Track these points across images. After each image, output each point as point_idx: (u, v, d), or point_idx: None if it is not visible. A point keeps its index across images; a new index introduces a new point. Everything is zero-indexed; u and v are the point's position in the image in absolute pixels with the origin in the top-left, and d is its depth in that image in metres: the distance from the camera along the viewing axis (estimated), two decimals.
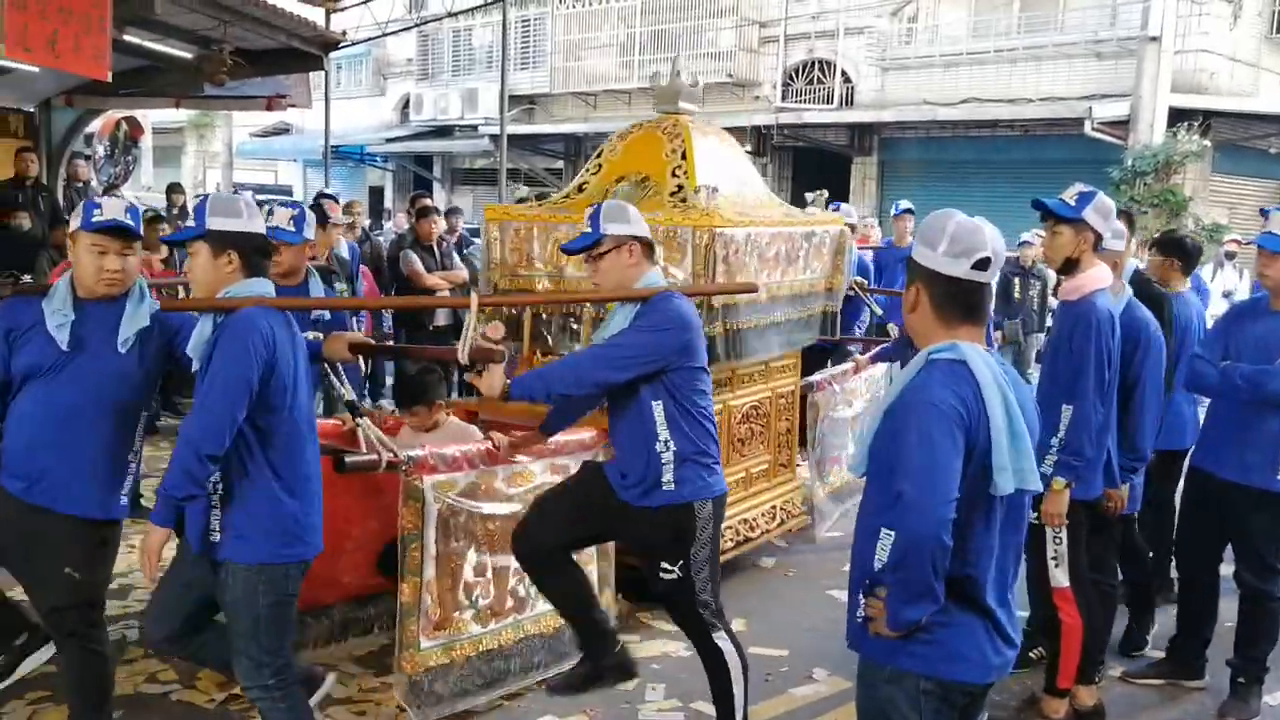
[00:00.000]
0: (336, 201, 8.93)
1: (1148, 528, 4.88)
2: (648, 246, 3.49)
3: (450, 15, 16.42)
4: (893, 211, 8.96)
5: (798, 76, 17.42)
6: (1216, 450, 4.09)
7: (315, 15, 10.78)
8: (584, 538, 3.70)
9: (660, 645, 4.50)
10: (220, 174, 26.56)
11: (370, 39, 16.30)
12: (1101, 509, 3.92)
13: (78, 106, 11.42)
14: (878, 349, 6.21)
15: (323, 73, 11.82)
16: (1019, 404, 2.29)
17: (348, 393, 3.93)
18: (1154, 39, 12.50)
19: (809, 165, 17.77)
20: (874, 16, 16.20)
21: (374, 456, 3.59)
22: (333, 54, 11.44)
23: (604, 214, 3.45)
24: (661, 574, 3.37)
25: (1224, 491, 4.02)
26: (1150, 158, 12.46)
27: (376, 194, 24.71)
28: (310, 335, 3.66)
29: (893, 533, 2.20)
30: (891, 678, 2.33)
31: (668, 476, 3.31)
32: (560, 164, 21.33)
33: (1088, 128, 12.86)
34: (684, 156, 4.85)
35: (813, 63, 17.21)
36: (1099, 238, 3.73)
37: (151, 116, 18.80)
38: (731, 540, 4.91)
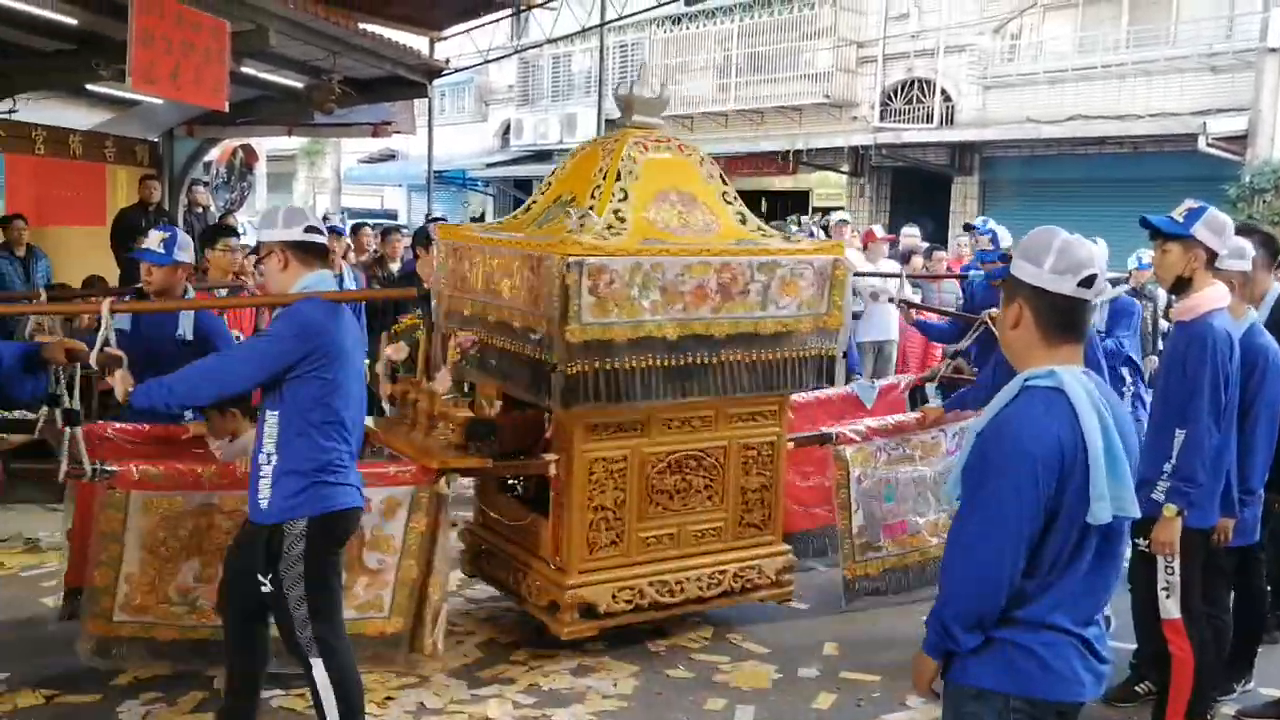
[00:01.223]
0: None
1: (1268, 564, 4.61)
2: (303, 251, 3.46)
3: (550, 41, 16.71)
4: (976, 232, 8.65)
5: (896, 96, 17.24)
6: None
7: (420, 44, 11.13)
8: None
9: (751, 667, 4.50)
10: (329, 199, 27.52)
11: (472, 66, 16.70)
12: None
13: (197, 136, 11.99)
14: (955, 395, 5.48)
15: (426, 100, 12.16)
16: (1118, 429, 2.26)
17: (67, 399, 3.59)
18: (1274, 50, 12.06)
19: (908, 185, 17.56)
20: (975, 34, 15.96)
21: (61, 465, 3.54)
22: (436, 81, 11.77)
23: (260, 221, 3.61)
24: (260, 585, 3.32)
25: None
26: (1270, 174, 12.04)
27: (479, 219, 25.24)
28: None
29: (951, 550, 2.31)
30: (979, 696, 2.31)
31: (264, 493, 3.27)
32: None
33: (1202, 143, 12.43)
34: (605, 175, 4.41)
35: (911, 82, 17.02)
36: (1212, 255, 3.61)
37: (265, 144, 19.62)
38: (630, 604, 4.41)
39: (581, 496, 4.31)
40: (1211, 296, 3.59)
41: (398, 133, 13.08)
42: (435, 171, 14.93)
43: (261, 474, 3.29)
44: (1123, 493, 2.23)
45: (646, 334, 4.15)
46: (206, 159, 13.65)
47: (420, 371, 4.67)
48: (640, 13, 14.81)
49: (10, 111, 9.61)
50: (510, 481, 4.91)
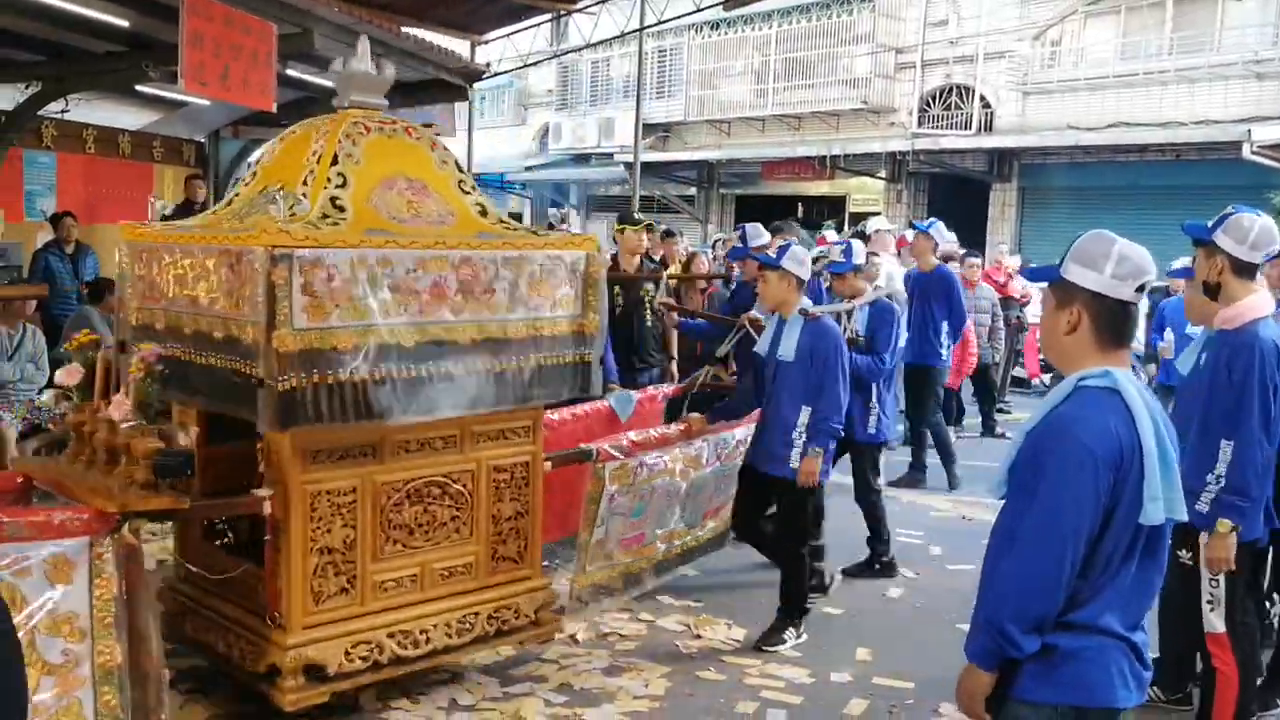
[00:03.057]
0: None
1: None
2: None
3: (589, 46, 16.81)
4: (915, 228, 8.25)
5: (935, 102, 17.19)
6: None
7: (461, 48, 11.23)
8: None
9: (784, 670, 4.51)
10: None
11: (512, 70, 16.84)
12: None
13: (243, 136, 12.18)
14: (721, 405, 5.18)
15: (467, 103, 12.26)
16: (1166, 432, 2.27)
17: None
18: None
19: (945, 191, 17.49)
20: (1015, 40, 15.89)
21: None
22: (476, 85, 11.87)
23: None
24: None
25: None
26: None
27: (515, 220, 25.38)
28: None
29: (1011, 554, 2.24)
30: (1024, 705, 2.29)
31: None
32: (693, 190, 21.52)
33: (1246, 151, 12.26)
34: (319, 160, 3.77)
35: (950, 88, 16.97)
36: (1239, 262, 3.53)
37: None
38: (366, 661, 3.76)
39: (302, 537, 3.62)
40: (1254, 305, 3.52)
41: (438, 135, 13.20)
42: (475, 174, 15.04)
43: None
44: (1174, 495, 2.23)
45: (377, 340, 3.56)
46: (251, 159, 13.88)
47: (98, 395, 3.89)
48: (678, 18, 14.88)
49: (63, 111, 9.83)
50: (219, 525, 4.24)
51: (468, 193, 4.07)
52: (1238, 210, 3.62)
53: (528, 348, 3.99)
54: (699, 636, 4.80)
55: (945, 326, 7.61)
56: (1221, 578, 3.59)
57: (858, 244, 6.04)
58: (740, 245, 6.95)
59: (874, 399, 5.64)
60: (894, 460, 8.26)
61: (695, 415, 5.12)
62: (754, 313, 5.62)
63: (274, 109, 8.28)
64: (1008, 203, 16.46)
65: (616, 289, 6.39)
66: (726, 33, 19.76)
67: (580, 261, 4.17)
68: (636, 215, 7.07)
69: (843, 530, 5.86)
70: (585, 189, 24.28)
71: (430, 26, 10.33)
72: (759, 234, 7.01)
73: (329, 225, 3.54)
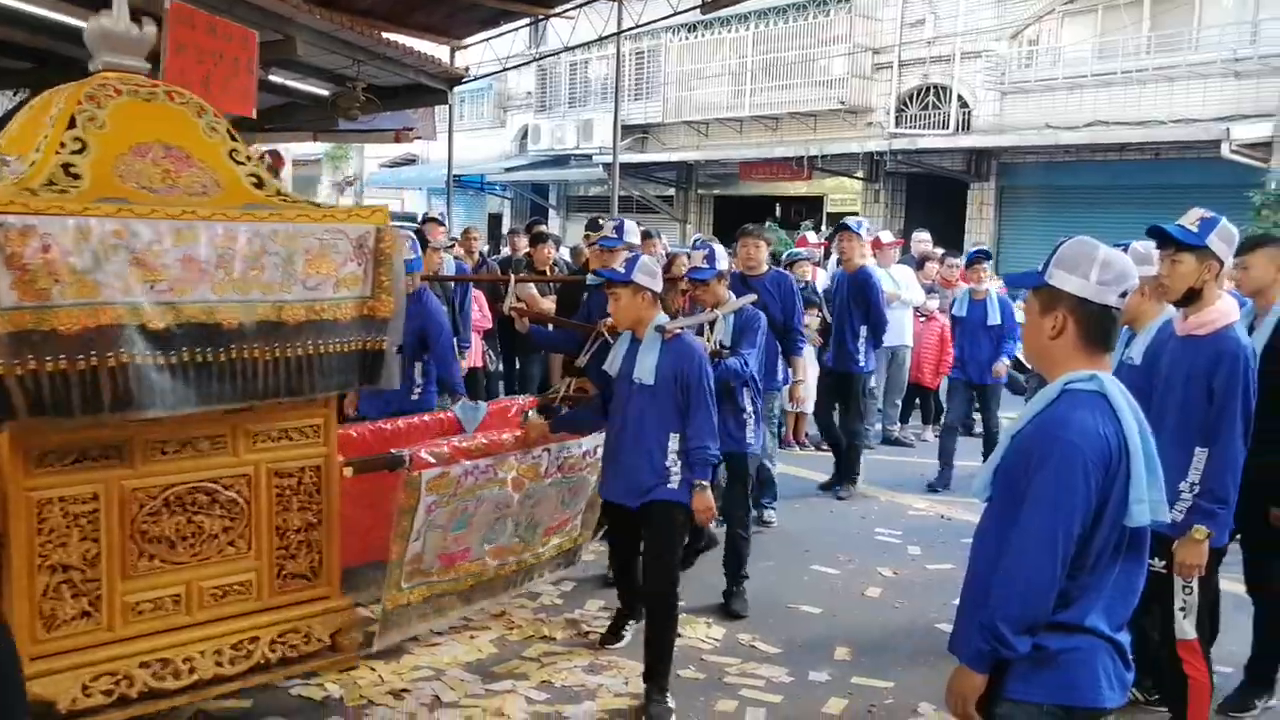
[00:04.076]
0: (441, 224, 9.50)
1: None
2: None
3: (568, 49, 16.79)
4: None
5: (912, 102, 17.27)
6: None
7: (441, 53, 11.23)
8: None
9: (763, 669, 4.50)
10: (352, 201, 27.84)
11: (492, 74, 16.79)
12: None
13: None
14: (568, 414, 4.69)
15: (447, 106, 12.25)
16: (1150, 437, 2.30)
17: None
18: None
19: (923, 191, 17.58)
20: (992, 40, 15.97)
21: None
22: (457, 89, 11.86)
23: None
24: None
25: None
26: None
27: (495, 220, 25.45)
28: None
29: (1008, 558, 2.25)
30: (1011, 704, 2.32)
31: None
32: (672, 191, 21.55)
33: (1225, 150, 12.37)
34: (54, 123, 3.36)
35: (927, 88, 17.05)
36: (1221, 266, 3.51)
37: (291, 149, 19.75)
38: (111, 695, 3.30)
39: (28, 553, 3.17)
40: (1226, 310, 3.49)
41: (419, 138, 13.20)
42: (454, 175, 15.05)
43: None
44: (1158, 497, 2.27)
45: (115, 321, 3.09)
46: None
47: None
48: (656, 21, 14.87)
49: None
50: None
51: (241, 163, 3.63)
52: (1216, 216, 3.55)
53: (305, 333, 3.54)
54: (679, 635, 4.77)
55: (863, 331, 7.22)
56: (1195, 584, 3.57)
57: (719, 248, 5.33)
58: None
59: (746, 406, 5.14)
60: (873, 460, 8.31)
61: (535, 420, 4.61)
62: (610, 320, 4.82)
63: (254, 114, 8.23)
64: (985, 202, 16.55)
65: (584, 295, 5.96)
66: (704, 35, 19.80)
67: (368, 236, 3.68)
68: (601, 220, 6.59)
69: (823, 530, 5.84)
70: (564, 190, 24.28)
71: (410, 32, 10.34)
72: (632, 231, 6.00)
73: (53, 192, 3.12)
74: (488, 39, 12.60)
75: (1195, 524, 3.43)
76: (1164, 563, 3.52)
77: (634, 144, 20.79)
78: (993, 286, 7.77)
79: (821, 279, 8.99)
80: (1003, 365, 7.59)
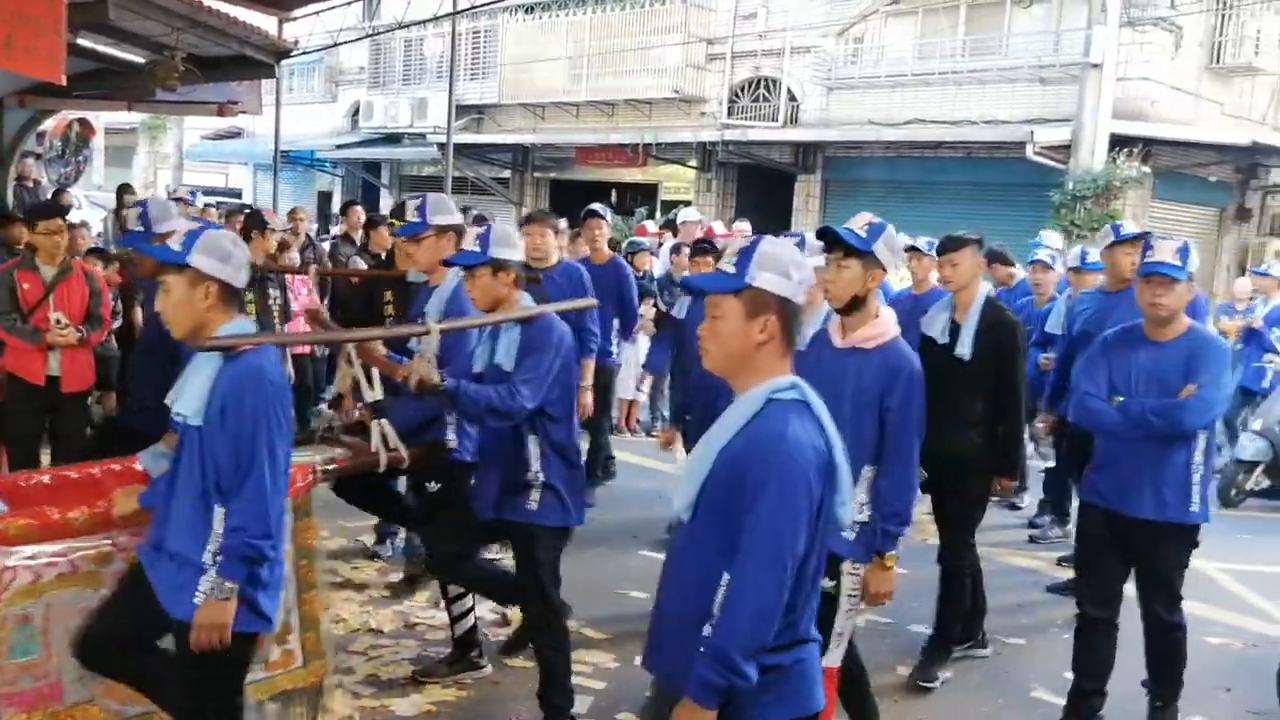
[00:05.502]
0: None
1: None
2: None
3: (402, 26, 16.42)
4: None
5: (744, 94, 17.67)
6: (1123, 489, 3.81)
7: (268, 24, 10.78)
8: None
9: (592, 654, 4.54)
10: (171, 175, 26.44)
11: (322, 49, 16.25)
12: None
13: (30, 106, 11.33)
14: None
15: (274, 80, 11.81)
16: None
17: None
18: (1096, 66, 12.77)
19: (754, 182, 18.00)
20: (820, 36, 16.48)
21: None
22: (285, 61, 11.44)
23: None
24: None
25: (1133, 528, 3.80)
26: (1090, 182, 12.68)
27: (325, 198, 24.63)
28: None
29: (737, 583, 2.14)
30: None
31: None
32: (507, 174, 21.38)
33: (1029, 151, 13.05)
34: None
35: (759, 80, 17.46)
36: (884, 274, 3.37)
37: (104, 118, 18.60)
38: None
39: None
40: (891, 322, 3.37)
41: (243, 112, 12.67)
42: (283, 151, 14.49)
43: None
44: (849, 498, 2.30)
45: None
46: (40, 130, 12.92)
47: None
48: (493, 1, 14.71)
49: None
50: None
51: None
52: (883, 222, 3.37)
53: None
54: (507, 624, 4.78)
55: (615, 324, 6.70)
56: (855, 610, 3.40)
57: (508, 229, 4.32)
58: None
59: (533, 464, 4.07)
60: None
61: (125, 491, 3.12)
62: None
63: (63, 80, 7.73)
64: (812, 194, 17.07)
65: (388, 293, 5.28)
66: (541, 17, 19.70)
67: None
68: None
69: (652, 517, 5.91)
70: (397, 169, 23.73)
71: (236, 1, 9.88)
72: (440, 208, 4.40)
73: None
74: (318, 11, 12.20)
75: (886, 549, 3.30)
76: (834, 583, 3.28)
77: (469, 124, 20.52)
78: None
79: (658, 268, 9.16)
80: None
